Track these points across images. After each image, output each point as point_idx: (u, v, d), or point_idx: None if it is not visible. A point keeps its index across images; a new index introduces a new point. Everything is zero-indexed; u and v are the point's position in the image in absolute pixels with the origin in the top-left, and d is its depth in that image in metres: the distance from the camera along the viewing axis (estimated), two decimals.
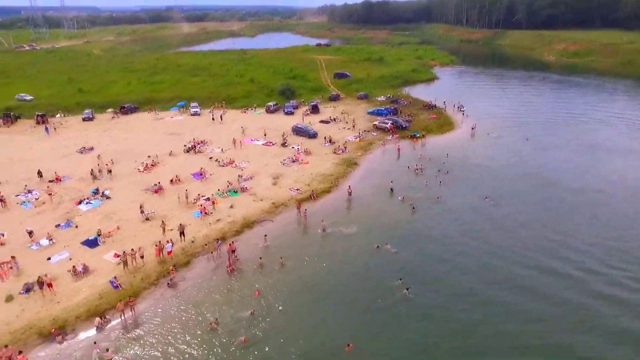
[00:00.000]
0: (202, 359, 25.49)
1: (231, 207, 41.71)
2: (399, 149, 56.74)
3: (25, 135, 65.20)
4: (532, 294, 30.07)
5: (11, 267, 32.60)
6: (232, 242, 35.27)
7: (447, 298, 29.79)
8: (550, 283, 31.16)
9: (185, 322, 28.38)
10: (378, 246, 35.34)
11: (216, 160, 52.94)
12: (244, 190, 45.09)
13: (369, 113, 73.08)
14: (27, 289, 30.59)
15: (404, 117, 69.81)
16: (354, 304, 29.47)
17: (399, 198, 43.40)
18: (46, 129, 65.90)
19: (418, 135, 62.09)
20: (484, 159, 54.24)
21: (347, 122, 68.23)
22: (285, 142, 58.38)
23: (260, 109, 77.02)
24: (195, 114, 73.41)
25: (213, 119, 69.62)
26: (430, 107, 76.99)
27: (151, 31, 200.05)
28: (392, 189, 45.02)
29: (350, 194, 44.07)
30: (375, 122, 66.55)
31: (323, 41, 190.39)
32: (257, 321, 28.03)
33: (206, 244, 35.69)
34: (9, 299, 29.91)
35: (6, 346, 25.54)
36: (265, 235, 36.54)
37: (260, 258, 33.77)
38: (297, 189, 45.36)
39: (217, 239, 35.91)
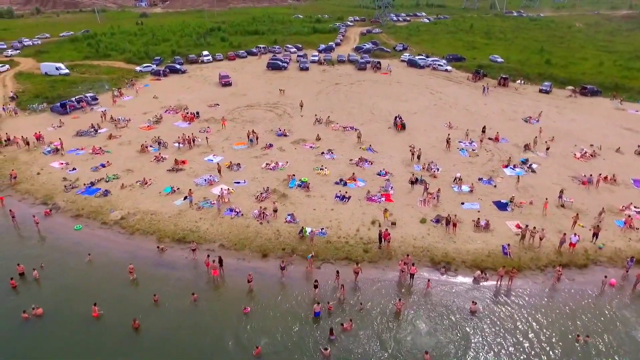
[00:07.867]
0: None
1: None
2: None
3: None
4: None
5: (434, 198, 38.35)
6: None
7: None
8: None
9: (551, 323, 26.91)
10: None
11: None
12: None
13: None
14: (437, 220, 35.67)
15: None
16: None
17: None
18: (484, 88, 69.82)
19: None
20: None
21: None
22: None
23: None
24: None
25: None
26: None
27: None
28: None
29: None
30: None
31: None
32: None
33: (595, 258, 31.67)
34: (423, 221, 35.83)
35: (407, 255, 31.33)
36: None
37: None
38: None
39: (632, 257, 31.04)
